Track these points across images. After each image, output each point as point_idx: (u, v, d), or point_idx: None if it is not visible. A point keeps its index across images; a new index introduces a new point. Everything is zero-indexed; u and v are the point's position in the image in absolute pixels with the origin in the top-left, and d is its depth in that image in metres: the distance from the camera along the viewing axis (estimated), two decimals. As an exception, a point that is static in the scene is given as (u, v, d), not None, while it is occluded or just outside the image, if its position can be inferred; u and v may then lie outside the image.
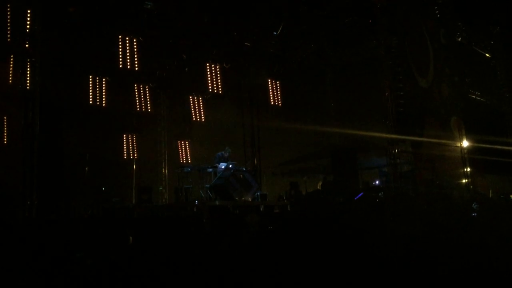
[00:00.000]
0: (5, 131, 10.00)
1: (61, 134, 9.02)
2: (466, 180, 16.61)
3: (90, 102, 13.47)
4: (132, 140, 16.38)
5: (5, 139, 9.85)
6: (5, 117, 10.21)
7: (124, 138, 16.18)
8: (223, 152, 13.94)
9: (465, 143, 16.82)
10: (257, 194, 13.71)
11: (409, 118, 14.24)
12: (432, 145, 15.10)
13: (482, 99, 19.21)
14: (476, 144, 17.34)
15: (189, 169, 13.92)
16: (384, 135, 14.53)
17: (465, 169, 16.62)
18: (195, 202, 12.46)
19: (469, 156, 16.69)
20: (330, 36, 17.37)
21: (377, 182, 16.58)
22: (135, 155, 16.38)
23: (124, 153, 16.09)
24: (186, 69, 15.82)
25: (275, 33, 14.64)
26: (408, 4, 15.19)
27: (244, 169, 14.17)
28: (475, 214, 10.86)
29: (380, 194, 13.59)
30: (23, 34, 9.30)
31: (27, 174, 7.68)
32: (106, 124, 15.24)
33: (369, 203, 11.76)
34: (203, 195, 13.18)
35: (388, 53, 14.00)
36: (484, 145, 18.03)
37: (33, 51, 9.18)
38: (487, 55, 19.14)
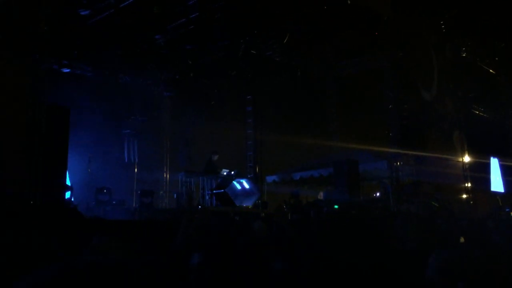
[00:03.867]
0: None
1: (67, 133, 9.01)
2: (466, 196, 16.61)
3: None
4: (134, 143, 16.41)
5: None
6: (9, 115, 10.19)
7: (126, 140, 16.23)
8: (212, 157, 13.97)
9: (467, 158, 16.83)
10: (258, 202, 13.72)
11: (412, 131, 14.29)
12: (434, 159, 15.11)
13: (485, 115, 19.24)
14: (478, 160, 17.35)
15: (193, 175, 13.92)
16: (386, 149, 14.57)
17: (466, 184, 16.62)
18: (198, 207, 12.46)
19: (471, 172, 16.71)
20: (334, 47, 17.48)
21: (377, 194, 16.57)
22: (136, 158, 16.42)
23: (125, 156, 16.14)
24: (191, 74, 15.87)
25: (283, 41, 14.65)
26: (414, 17, 15.27)
27: (246, 177, 14.19)
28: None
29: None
30: (29, 32, 9.32)
31: (32, 172, 7.68)
32: (109, 126, 15.30)
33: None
34: (203, 201, 13.19)
35: (393, 65, 14.06)
36: (485, 161, 18.08)
37: (42, 54, 9.19)
38: (491, 71, 19.19)
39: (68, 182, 10.81)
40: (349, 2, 12.91)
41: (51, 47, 11.87)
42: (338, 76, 19.51)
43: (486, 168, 18.24)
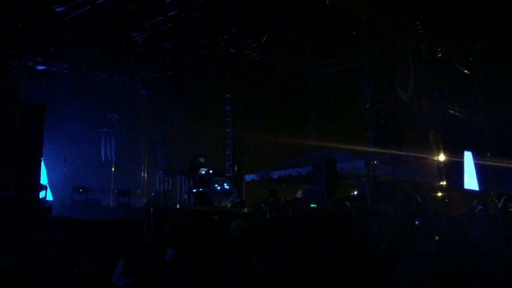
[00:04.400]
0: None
1: (41, 132, 8.86)
2: (442, 194, 16.89)
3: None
4: (111, 141, 16.23)
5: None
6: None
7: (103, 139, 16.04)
8: (199, 159, 13.95)
9: (442, 157, 17.12)
10: (237, 201, 13.71)
11: (389, 130, 14.45)
12: (411, 157, 15.31)
13: (459, 114, 19.60)
14: (452, 158, 17.68)
15: (170, 174, 13.84)
16: (364, 148, 14.70)
17: (442, 183, 16.90)
18: (176, 205, 12.38)
19: (446, 170, 17.00)
20: (313, 46, 17.60)
21: (355, 192, 16.73)
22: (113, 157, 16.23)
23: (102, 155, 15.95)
24: (170, 72, 15.75)
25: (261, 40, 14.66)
26: (391, 18, 15.46)
27: (224, 175, 14.17)
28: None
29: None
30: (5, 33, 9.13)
31: (5, 169, 7.53)
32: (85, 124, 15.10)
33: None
34: (181, 199, 13.12)
35: (371, 65, 14.19)
36: (459, 159, 18.44)
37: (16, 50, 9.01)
38: (465, 71, 19.57)
39: (43, 181, 10.62)
40: (327, 1, 12.99)
41: (25, 43, 11.66)
42: (316, 75, 19.65)
43: (461, 166, 18.61)
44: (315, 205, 12.92)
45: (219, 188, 12.98)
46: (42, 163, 12.60)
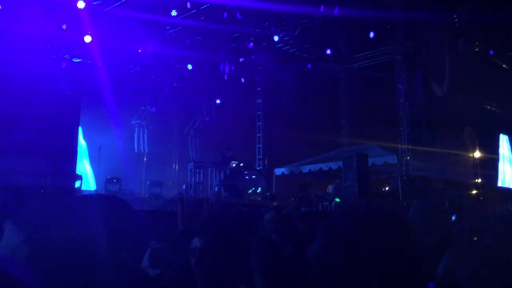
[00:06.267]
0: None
1: (77, 122, 9.06)
2: (476, 192, 16.50)
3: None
4: (143, 133, 16.52)
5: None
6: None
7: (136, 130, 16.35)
8: (225, 153, 14.04)
9: (477, 154, 16.71)
10: (267, 194, 13.75)
11: (422, 126, 14.19)
12: (444, 154, 15.00)
13: (497, 110, 19.06)
14: (488, 155, 17.23)
15: (201, 166, 13.98)
16: (396, 144, 14.50)
17: (476, 180, 16.52)
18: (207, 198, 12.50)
19: (481, 167, 16.61)
20: (346, 39, 17.36)
21: (386, 188, 16.52)
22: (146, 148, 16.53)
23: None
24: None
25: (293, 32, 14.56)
26: (427, 11, 15.12)
27: (255, 169, 14.22)
28: None
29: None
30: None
31: (42, 159, 7.75)
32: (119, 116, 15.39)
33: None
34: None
35: (404, 59, 13.96)
36: (495, 156, 17.95)
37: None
38: (504, 65, 18.98)
39: (78, 171, 10.88)
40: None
41: (62, 37, 11.95)
42: (349, 68, 19.41)
43: (496, 163, 18.11)
44: (338, 200, 12.80)
45: (249, 181, 13.05)
46: (86, 152, 12.96)
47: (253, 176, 13.33)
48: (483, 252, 1.97)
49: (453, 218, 4.49)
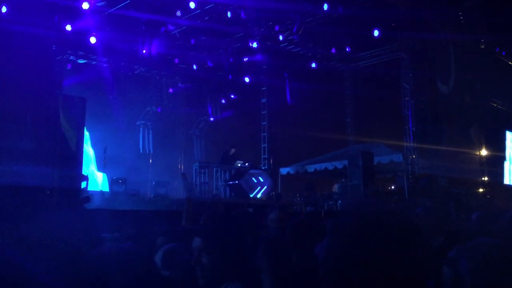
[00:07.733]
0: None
1: (83, 124, 9.11)
2: (483, 190, 16.40)
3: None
4: (149, 134, 16.55)
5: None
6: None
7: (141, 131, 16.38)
8: (228, 150, 14.04)
9: (484, 152, 16.61)
10: (272, 194, 13.73)
11: (428, 124, 14.12)
12: (450, 152, 14.92)
13: (503, 108, 18.93)
14: (495, 153, 17.12)
15: (206, 166, 13.98)
16: (402, 143, 14.43)
17: (483, 178, 16.41)
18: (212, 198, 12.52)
19: (487, 165, 16.50)
20: (351, 38, 17.28)
21: (392, 187, 16.45)
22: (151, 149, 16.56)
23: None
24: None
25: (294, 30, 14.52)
26: (432, 8, 15.03)
27: (260, 168, 14.21)
28: None
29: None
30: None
31: (48, 160, 7.79)
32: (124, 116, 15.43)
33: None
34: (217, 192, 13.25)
35: (410, 57, 13.89)
36: (501, 154, 17.82)
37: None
38: (510, 63, 18.85)
39: (84, 172, 10.92)
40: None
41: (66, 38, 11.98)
42: (353, 67, 19.33)
43: (502, 161, 17.99)
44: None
45: (254, 181, 13.04)
46: (93, 151, 13.00)
47: (260, 177, 13.32)
48: (489, 249, 1.94)
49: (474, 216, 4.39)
